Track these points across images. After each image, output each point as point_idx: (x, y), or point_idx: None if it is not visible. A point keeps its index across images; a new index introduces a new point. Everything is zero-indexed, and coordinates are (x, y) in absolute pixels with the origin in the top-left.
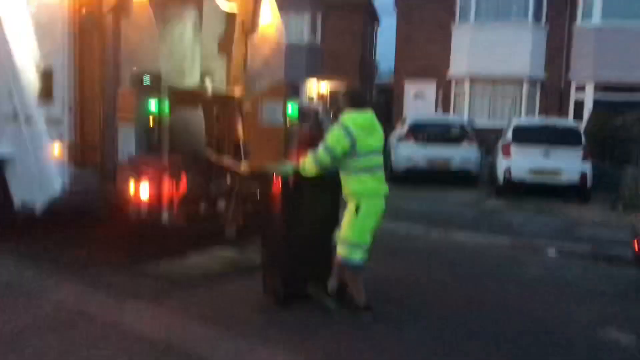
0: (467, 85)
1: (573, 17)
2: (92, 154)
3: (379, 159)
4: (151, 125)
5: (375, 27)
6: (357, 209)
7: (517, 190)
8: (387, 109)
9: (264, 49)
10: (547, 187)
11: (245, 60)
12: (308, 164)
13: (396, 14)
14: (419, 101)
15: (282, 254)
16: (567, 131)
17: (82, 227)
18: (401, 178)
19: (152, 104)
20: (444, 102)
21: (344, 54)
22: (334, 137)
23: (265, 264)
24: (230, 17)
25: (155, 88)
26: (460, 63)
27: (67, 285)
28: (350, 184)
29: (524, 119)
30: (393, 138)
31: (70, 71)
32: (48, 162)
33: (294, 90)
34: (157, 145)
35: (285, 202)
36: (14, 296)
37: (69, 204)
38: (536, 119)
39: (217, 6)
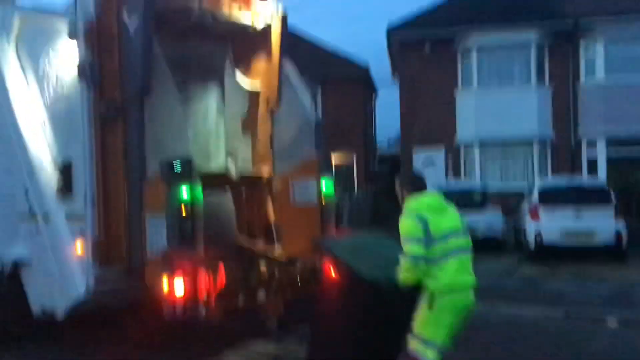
0: (476, 150)
1: (576, 75)
2: (117, 250)
3: (460, 241)
4: (183, 214)
5: (373, 98)
6: (431, 302)
7: (550, 254)
8: (392, 179)
9: (291, 125)
10: (580, 250)
11: (271, 138)
12: (405, 272)
13: (399, 83)
14: (428, 168)
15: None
16: (595, 190)
17: (110, 330)
18: None
19: (184, 192)
20: (454, 167)
21: (346, 127)
22: (408, 227)
23: None
24: (253, 94)
25: (187, 174)
26: (467, 128)
27: None
28: (426, 277)
29: (549, 180)
30: None
31: (91, 163)
32: (69, 262)
33: (327, 164)
34: (190, 236)
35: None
36: None
37: (94, 306)
38: (561, 179)
39: (239, 84)
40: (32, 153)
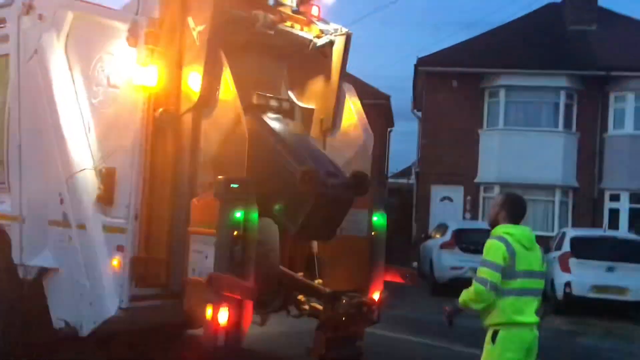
0: (496, 191)
1: (604, 125)
2: (157, 269)
3: (540, 283)
4: (235, 237)
5: (389, 130)
6: (494, 337)
7: (578, 306)
8: (403, 211)
9: (346, 151)
10: (610, 305)
11: None
12: (471, 296)
13: (420, 116)
14: (446, 205)
15: None
16: (630, 244)
17: (141, 354)
18: (444, 288)
19: (239, 214)
20: (472, 207)
21: None
22: (492, 249)
23: None
24: (307, 114)
25: (243, 196)
26: (488, 168)
27: None
28: (494, 310)
29: (580, 230)
30: (433, 245)
31: (138, 175)
32: (103, 277)
33: (382, 196)
34: (239, 262)
35: None
36: None
37: (124, 326)
38: (592, 230)
39: (295, 103)
40: (73, 158)
